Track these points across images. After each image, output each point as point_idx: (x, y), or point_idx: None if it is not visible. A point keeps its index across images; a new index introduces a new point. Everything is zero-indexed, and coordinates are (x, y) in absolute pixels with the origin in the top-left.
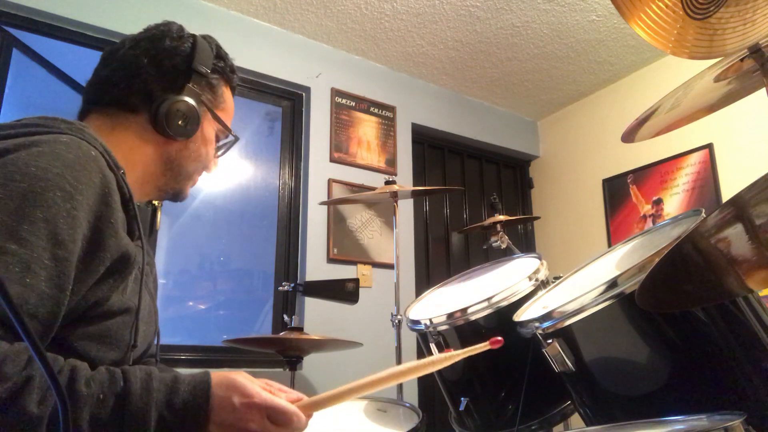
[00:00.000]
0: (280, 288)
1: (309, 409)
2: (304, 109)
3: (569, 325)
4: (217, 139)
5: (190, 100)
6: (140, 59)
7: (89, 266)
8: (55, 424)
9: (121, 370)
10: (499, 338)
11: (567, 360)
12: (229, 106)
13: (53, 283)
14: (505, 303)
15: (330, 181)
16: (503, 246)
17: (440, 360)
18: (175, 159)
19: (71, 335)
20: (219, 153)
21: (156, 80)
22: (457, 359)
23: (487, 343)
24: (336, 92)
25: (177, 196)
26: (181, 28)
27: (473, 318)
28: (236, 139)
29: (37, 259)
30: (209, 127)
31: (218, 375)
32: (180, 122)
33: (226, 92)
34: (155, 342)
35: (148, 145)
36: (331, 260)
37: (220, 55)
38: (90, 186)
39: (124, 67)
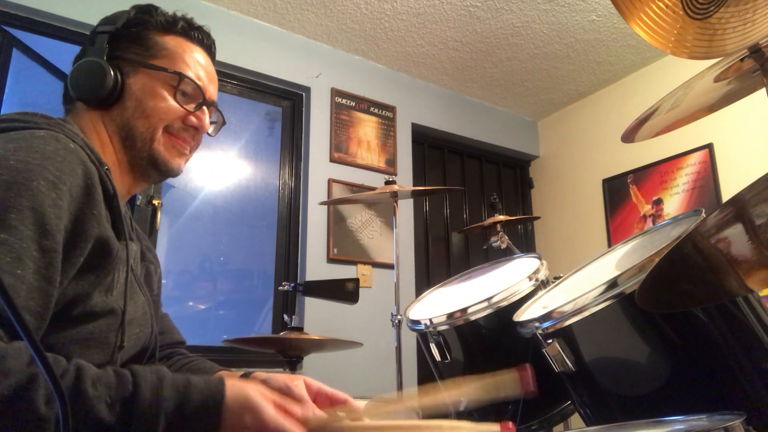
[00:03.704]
0: (280, 288)
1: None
2: (304, 109)
3: (569, 325)
4: (176, 89)
5: (92, 58)
6: None
7: (70, 257)
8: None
9: (130, 373)
10: (511, 426)
11: (567, 360)
12: (173, 51)
13: (41, 275)
14: (505, 303)
15: (330, 181)
16: (503, 246)
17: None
18: (123, 125)
19: (51, 337)
20: (184, 99)
21: (75, 62)
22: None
23: (499, 426)
24: (336, 92)
25: (158, 165)
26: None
27: (473, 318)
28: (181, 76)
29: (26, 249)
30: (146, 79)
31: (233, 388)
32: (88, 83)
33: (165, 39)
34: (153, 343)
35: (97, 124)
36: (331, 260)
37: (143, 9)
38: (72, 176)
39: None
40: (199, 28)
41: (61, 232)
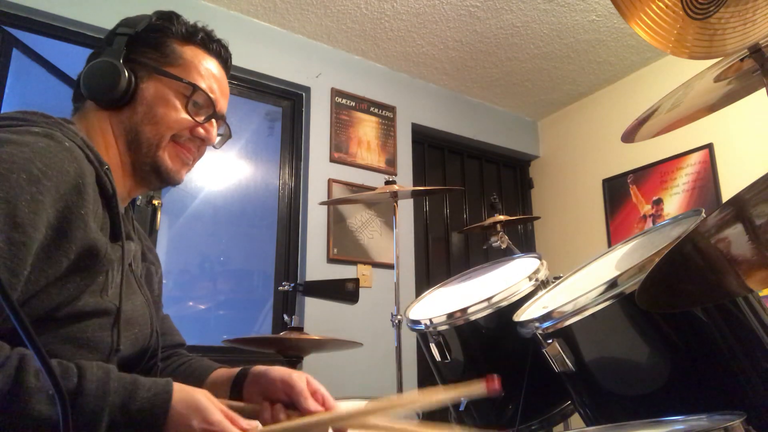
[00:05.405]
0: (280, 288)
1: None
2: (304, 109)
3: (569, 325)
4: (189, 100)
5: (108, 59)
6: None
7: (52, 256)
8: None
9: (75, 365)
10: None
11: (567, 360)
12: (189, 62)
13: (5, 267)
14: (505, 303)
15: (330, 181)
16: (503, 246)
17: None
18: (131, 128)
19: (41, 338)
20: (194, 109)
21: (89, 60)
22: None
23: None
24: (336, 92)
25: (160, 173)
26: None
27: (473, 318)
28: (195, 87)
29: None
30: (159, 86)
31: (181, 390)
32: (101, 83)
33: (183, 49)
34: (154, 344)
35: (104, 124)
36: (331, 260)
37: (165, 16)
38: (62, 173)
39: None
40: (218, 41)
41: (36, 227)
